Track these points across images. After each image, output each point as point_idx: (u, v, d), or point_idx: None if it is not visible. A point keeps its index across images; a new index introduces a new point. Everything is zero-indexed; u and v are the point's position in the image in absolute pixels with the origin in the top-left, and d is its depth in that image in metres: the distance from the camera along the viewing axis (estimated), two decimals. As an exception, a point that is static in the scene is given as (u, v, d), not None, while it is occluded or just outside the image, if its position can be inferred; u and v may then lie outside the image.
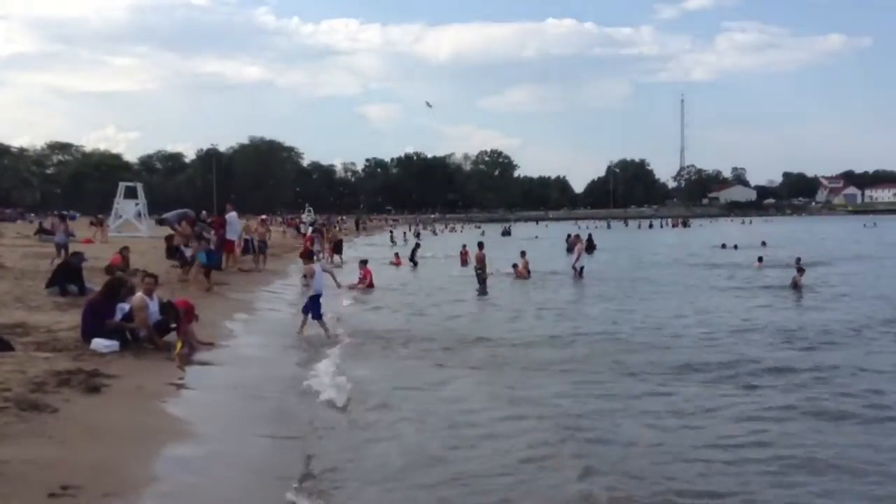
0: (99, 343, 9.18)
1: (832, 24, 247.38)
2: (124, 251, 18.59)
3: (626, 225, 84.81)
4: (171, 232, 27.05)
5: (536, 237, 56.92)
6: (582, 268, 23.14)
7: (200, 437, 6.81)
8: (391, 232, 58.38)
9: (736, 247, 38.88)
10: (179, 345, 9.74)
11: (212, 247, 22.65)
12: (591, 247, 38.65)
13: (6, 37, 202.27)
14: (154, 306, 9.93)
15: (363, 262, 21.90)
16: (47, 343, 9.37)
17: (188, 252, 18.38)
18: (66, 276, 14.08)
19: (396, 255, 31.50)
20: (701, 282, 23.29)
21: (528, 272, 23.46)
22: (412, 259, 30.54)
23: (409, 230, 65.99)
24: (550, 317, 16.02)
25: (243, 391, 8.96)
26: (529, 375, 10.17)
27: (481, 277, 20.64)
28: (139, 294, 9.93)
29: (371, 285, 20.85)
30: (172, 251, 24.40)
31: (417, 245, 34.37)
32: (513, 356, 11.53)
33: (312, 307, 13.09)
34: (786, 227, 70.79)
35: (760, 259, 27.24)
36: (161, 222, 21.95)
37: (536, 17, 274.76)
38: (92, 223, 39.94)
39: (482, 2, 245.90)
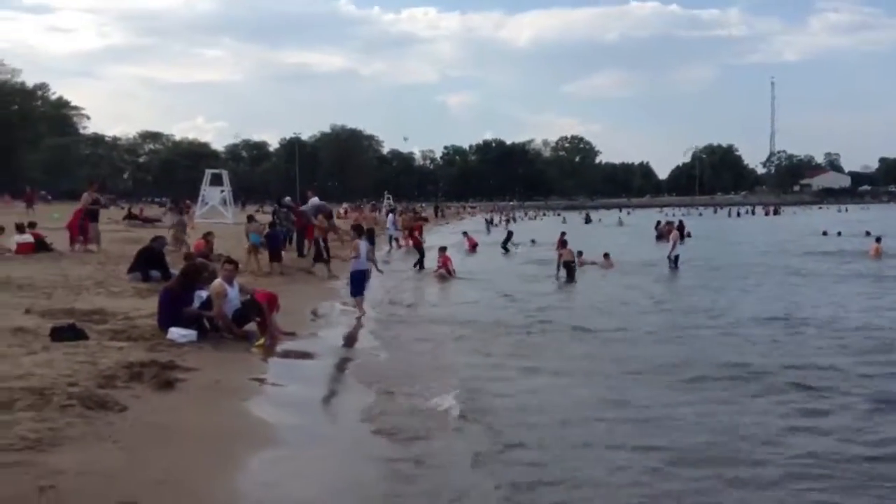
0: (176, 332, 8.64)
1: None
2: (208, 236, 18.30)
3: (715, 212, 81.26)
4: (251, 214, 27.22)
5: (620, 222, 54.92)
6: (677, 257, 21.69)
7: (286, 442, 6.04)
8: (487, 219, 57.66)
9: (840, 233, 36.40)
10: (262, 339, 9.13)
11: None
12: (682, 234, 36.90)
13: (99, 31, 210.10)
14: (234, 293, 9.34)
15: (442, 249, 21.01)
16: (124, 331, 8.89)
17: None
18: (148, 261, 13.79)
19: (466, 235, 31.23)
20: (819, 270, 21.70)
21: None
22: (504, 246, 30.21)
23: (497, 218, 64.97)
24: (679, 309, 14.76)
25: (331, 387, 8.26)
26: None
27: (570, 267, 19.46)
28: (218, 280, 9.35)
29: (451, 272, 19.98)
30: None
31: (510, 233, 33.52)
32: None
33: (353, 283, 12.68)
34: (886, 215, 66.28)
35: (879, 239, 25.31)
36: (298, 216, 22.06)
37: (619, 0, 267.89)
38: (180, 210, 40.62)
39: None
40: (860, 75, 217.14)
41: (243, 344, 9.10)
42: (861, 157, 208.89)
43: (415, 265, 21.93)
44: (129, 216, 36.04)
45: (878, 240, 25.36)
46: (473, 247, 29.77)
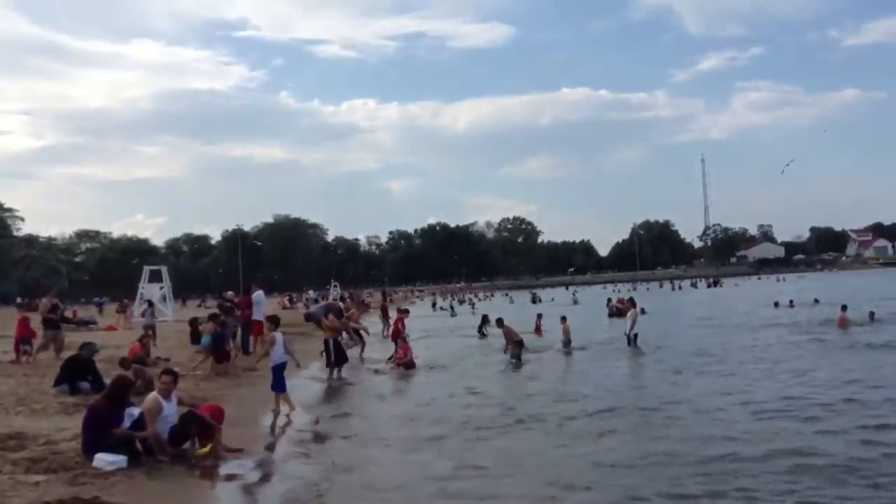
0: (102, 459, 7.47)
1: (843, 80, 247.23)
2: (144, 338, 17.05)
3: (661, 286, 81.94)
4: (195, 316, 25.97)
5: (575, 301, 54.76)
6: (636, 335, 21.19)
7: None
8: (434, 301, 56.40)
9: (792, 303, 36.64)
10: (205, 449, 8.04)
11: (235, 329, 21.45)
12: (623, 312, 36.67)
13: (34, 132, 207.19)
14: (171, 409, 8.26)
15: (402, 338, 20.09)
16: (43, 460, 7.67)
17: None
18: (77, 372, 12.53)
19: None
20: (793, 345, 20.78)
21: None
22: (481, 331, 27.84)
23: (444, 299, 63.97)
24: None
25: None
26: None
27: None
28: (153, 395, 8.30)
29: (411, 364, 18.89)
30: (198, 336, 23.11)
31: (485, 317, 29.21)
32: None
33: (274, 377, 11.94)
34: (822, 284, 67.85)
35: (844, 308, 25.29)
36: (308, 318, 21.45)
37: (550, 87, 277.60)
38: (117, 310, 38.84)
39: (496, 77, 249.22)
40: (785, 149, 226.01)
41: (180, 467, 7.94)
42: (793, 228, 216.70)
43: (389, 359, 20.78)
44: (62, 319, 34.05)
45: (844, 308, 25.30)
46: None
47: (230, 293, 24.33)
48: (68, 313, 37.96)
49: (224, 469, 8.11)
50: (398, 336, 20.70)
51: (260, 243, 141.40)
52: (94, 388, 12.22)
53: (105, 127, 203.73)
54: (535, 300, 61.01)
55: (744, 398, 12.39)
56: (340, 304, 22.94)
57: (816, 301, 37.06)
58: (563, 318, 22.64)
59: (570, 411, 11.93)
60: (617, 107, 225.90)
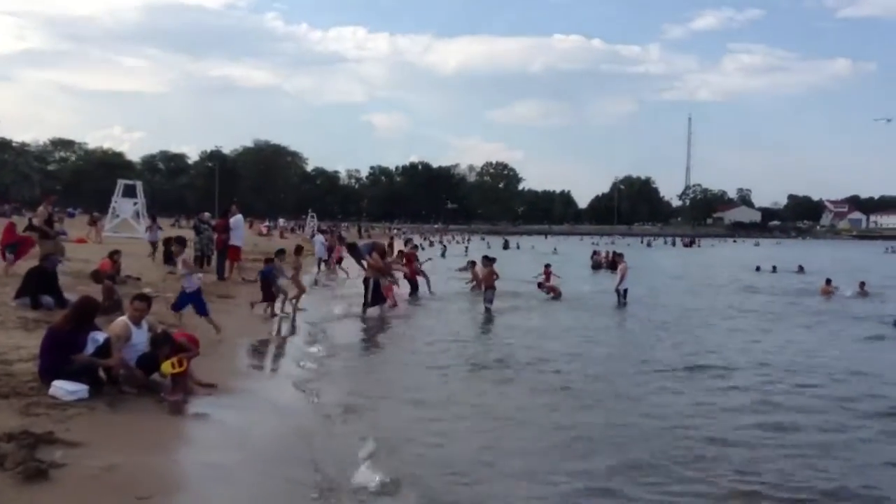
0: (61, 387, 6.72)
1: (837, 48, 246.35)
2: (115, 255, 16.11)
3: (642, 242, 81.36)
4: (169, 235, 24.96)
5: (555, 251, 54.27)
6: (626, 291, 20.69)
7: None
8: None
9: (775, 269, 36.45)
10: (178, 367, 7.24)
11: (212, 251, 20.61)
12: (615, 265, 36.27)
13: (17, 34, 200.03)
14: (141, 336, 7.45)
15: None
16: (-6, 381, 6.93)
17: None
18: (39, 285, 11.67)
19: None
20: (778, 310, 20.53)
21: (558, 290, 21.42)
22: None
23: (423, 240, 63.17)
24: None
25: (265, 468, 6.29)
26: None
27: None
28: (122, 319, 7.47)
29: (395, 304, 18.24)
30: (170, 256, 22.22)
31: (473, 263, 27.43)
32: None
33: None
34: (797, 251, 68.06)
35: (829, 282, 24.89)
36: (351, 248, 20.33)
37: (544, 31, 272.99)
38: (88, 222, 37.60)
39: (490, 16, 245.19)
40: (772, 116, 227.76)
41: (147, 400, 7.18)
42: (771, 194, 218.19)
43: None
44: (30, 227, 32.77)
45: (829, 282, 24.97)
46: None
47: (206, 214, 23.29)
48: (35, 221, 36.79)
49: (195, 406, 7.34)
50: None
51: (239, 173, 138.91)
52: (57, 304, 11.44)
53: (89, 34, 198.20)
54: (506, 246, 60.58)
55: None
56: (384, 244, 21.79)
57: (801, 268, 36.83)
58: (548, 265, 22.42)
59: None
60: (609, 58, 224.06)
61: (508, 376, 10.45)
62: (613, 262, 36.28)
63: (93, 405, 6.67)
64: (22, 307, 11.29)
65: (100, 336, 7.34)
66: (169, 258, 21.94)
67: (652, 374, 11.00)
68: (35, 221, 17.88)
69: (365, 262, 17.60)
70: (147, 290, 15.34)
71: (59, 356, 6.99)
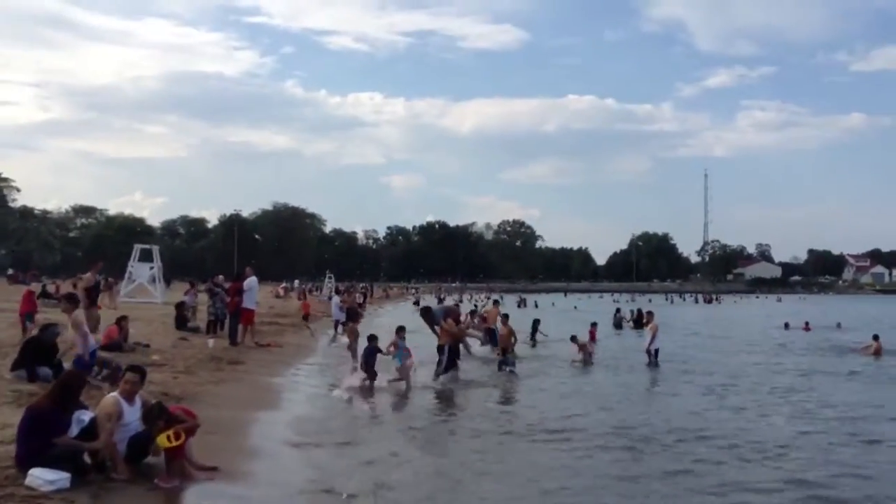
0: (39, 477, 5.92)
1: (849, 104, 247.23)
2: (122, 321, 15.49)
3: (668, 299, 79.64)
4: (183, 299, 24.41)
5: (575, 308, 53.28)
6: (657, 350, 19.72)
7: None
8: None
9: (808, 326, 35.10)
10: (169, 438, 6.40)
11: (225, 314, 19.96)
12: (640, 322, 35.27)
13: (40, 104, 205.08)
14: (133, 414, 6.69)
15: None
16: (-31, 469, 6.17)
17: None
18: (36, 356, 10.97)
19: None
20: (827, 371, 19.06)
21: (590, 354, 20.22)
22: (533, 338, 25.19)
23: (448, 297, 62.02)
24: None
25: None
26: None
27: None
28: (112, 396, 6.72)
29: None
30: (183, 321, 21.62)
31: (537, 322, 26.45)
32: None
33: None
34: (822, 307, 66.45)
35: (876, 337, 23.35)
36: (425, 313, 19.08)
37: (557, 93, 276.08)
38: (102, 287, 37.22)
39: (504, 79, 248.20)
40: (788, 171, 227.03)
41: (138, 488, 6.34)
42: (791, 249, 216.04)
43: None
44: (44, 294, 32.46)
45: (876, 337, 23.52)
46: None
47: (220, 277, 22.70)
48: (51, 288, 36.50)
49: (194, 494, 6.47)
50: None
51: (257, 236, 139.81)
52: (55, 376, 10.73)
53: (111, 103, 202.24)
54: (521, 304, 59.58)
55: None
56: (455, 307, 20.91)
57: (839, 325, 35.53)
58: (574, 338, 20.95)
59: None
60: (622, 117, 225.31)
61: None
62: (639, 320, 35.38)
63: (73, 497, 5.86)
64: (18, 379, 10.61)
65: (86, 416, 6.59)
66: (181, 323, 21.39)
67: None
68: (80, 287, 17.47)
69: (438, 328, 16.80)
70: (155, 358, 14.72)
71: (39, 440, 6.20)
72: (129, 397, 6.76)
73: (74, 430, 6.47)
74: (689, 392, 15.05)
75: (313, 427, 10.28)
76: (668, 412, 12.52)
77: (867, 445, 10.05)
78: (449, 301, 65.23)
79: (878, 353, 22.56)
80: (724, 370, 18.74)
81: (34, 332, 15.19)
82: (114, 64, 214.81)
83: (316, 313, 36.74)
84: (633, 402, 13.79)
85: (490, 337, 21.21)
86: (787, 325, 36.06)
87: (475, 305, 42.25)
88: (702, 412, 12.56)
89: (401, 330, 15.02)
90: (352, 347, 15.24)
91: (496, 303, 26.63)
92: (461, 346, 19.01)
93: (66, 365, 10.38)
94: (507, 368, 17.09)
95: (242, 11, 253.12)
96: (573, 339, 20.76)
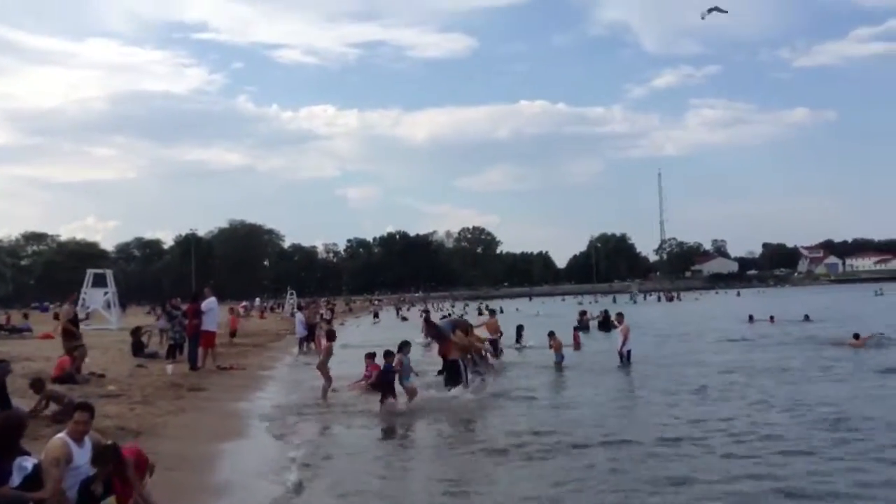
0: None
1: (794, 99, 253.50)
2: (74, 351, 14.72)
3: (615, 301, 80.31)
4: (138, 325, 23.53)
5: (538, 314, 53.19)
6: (629, 352, 19.49)
7: None
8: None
9: (772, 319, 35.35)
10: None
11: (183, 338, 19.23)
12: (607, 324, 35.15)
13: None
14: (83, 457, 6.08)
15: (370, 355, 17.66)
16: None
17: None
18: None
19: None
20: (796, 366, 18.56)
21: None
22: (518, 343, 25.02)
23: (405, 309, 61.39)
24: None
25: None
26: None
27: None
28: (59, 438, 6.11)
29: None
30: (139, 347, 20.79)
31: (521, 327, 26.56)
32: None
33: None
34: (782, 300, 67.42)
35: (857, 336, 22.69)
36: (430, 326, 18.27)
37: (509, 99, 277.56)
38: (54, 316, 35.93)
39: (455, 88, 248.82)
40: (739, 166, 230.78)
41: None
42: (746, 244, 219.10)
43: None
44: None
45: (857, 336, 22.74)
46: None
47: (177, 300, 21.91)
48: (1, 319, 35.13)
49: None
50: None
51: (215, 255, 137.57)
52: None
53: (58, 127, 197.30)
54: (481, 312, 59.23)
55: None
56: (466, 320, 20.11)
57: (807, 317, 35.85)
58: (552, 334, 21.00)
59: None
60: (574, 120, 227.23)
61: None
62: (606, 322, 35.22)
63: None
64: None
65: (28, 462, 5.96)
66: (138, 350, 20.55)
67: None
68: (61, 320, 16.53)
69: (443, 342, 16.18)
70: (111, 388, 13.99)
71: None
72: (79, 438, 6.16)
73: (16, 480, 5.84)
74: (670, 394, 14.71)
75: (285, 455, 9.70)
76: (653, 417, 12.18)
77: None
78: (413, 311, 64.84)
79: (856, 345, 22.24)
80: (699, 369, 18.48)
81: None
82: (58, 86, 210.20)
83: (280, 331, 36.03)
84: (617, 409, 13.43)
85: (493, 348, 21.00)
86: (751, 318, 36.32)
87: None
88: (689, 415, 12.23)
89: (405, 346, 14.40)
90: (323, 367, 14.63)
91: (493, 312, 26.27)
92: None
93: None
94: (480, 378, 16.67)
95: (189, 28, 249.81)
96: (551, 334, 20.73)
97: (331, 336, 15.63)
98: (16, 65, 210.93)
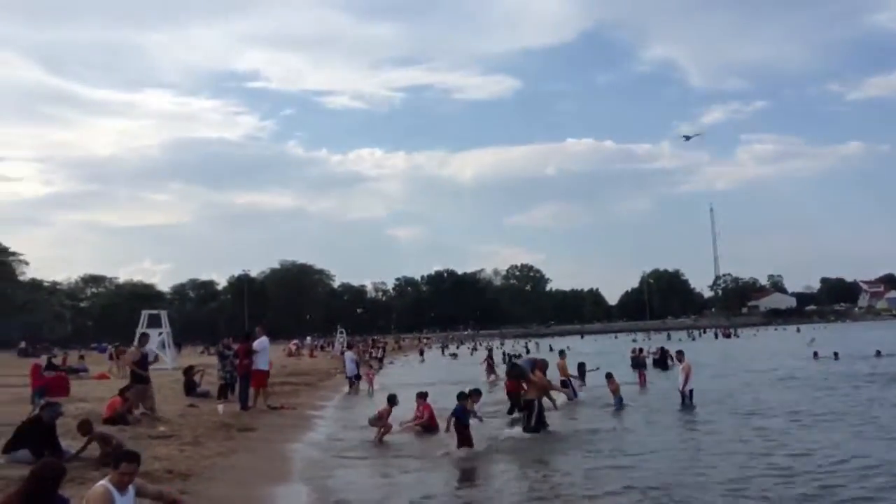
0: None
1: (847, 133, 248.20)
2: (125, 391, 14.64)
3: (669, 338, 78.31)
4: (191, 364, 23.56)
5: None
6: (691, 391, 18.68)
7: None
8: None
9: (836, 355, 33.90)
10: None
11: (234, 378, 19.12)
12: (664, 361, 34.12)
13: (44, 179, 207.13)
14: (127, 505, 5.82)
15: (421, 395, 17.32)
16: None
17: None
18: (34, 438, 10.10)
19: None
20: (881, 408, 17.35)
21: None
22: (582, 380, 24.12)
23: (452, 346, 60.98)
24: None
25: None
26: None
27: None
28: (101, 486, 5.83)
29: (434, 424, 16.38)
30: (192, 386, 20.76)
31: (583, 364, 25.66)
32: None
33: None
34: (848, 335, 64.84)
35: None
36: (512, 369, 17.82)
37: (555, 138, 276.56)
38: (110, 356, 36.49)
39: (500, 128, 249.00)
40: (794, 200, 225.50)
41: None
42: (803, 278, 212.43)
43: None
44: (49, 366, 31.63)
45: None
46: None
47: (229, 339, 21.88)
48: (58, 360, 35.69)
49: None
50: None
51: (267, 296, 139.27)
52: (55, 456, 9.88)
53: (115, 174, 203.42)
54: (527, 349, 58.38)
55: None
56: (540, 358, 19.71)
57: (879, 353, 34.30)
58: (610, 375, 20.04)
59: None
60: (622, 157, 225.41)
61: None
62: (663, 359, 34.17)
63: None
64: (13, 463, 9.72)
65: (70, 512, 5.71)
66: (190, 389, 20.52)
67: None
68: (125, 361, 16.61)
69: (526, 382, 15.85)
70: (162, 429, 13.85)
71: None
72: (122, 488, 5.87)
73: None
74: (747, 436, 13.86)
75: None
76: (739, 461, 11.39)
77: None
78: (462, 349, 64.26)
79: None
80: (770, 408, 17.59)
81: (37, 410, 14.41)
82: (115, 135, 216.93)
83: (330, 370, 35.88)
84: (687, 452, 12.69)
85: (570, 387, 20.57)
86: (815, 355, 34.82)
87: (487, 353, 41.21)
88: (777, 457, 11.53)
89: (476, 393, 14.07)
90: (377, 423, 14.53)
91: (562, 353, 25.42)
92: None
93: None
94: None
95: (241, 77, 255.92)
96: (609, 376, 19.93)
97: (392, 401, 15.23)
98: (75, 115, 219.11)
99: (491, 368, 31.72)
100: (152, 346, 37.55)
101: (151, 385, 15.94)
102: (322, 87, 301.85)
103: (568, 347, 60.88)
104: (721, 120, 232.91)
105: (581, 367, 25.20)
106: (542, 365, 17.03)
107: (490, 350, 40.00)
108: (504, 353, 47.05)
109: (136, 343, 18.67)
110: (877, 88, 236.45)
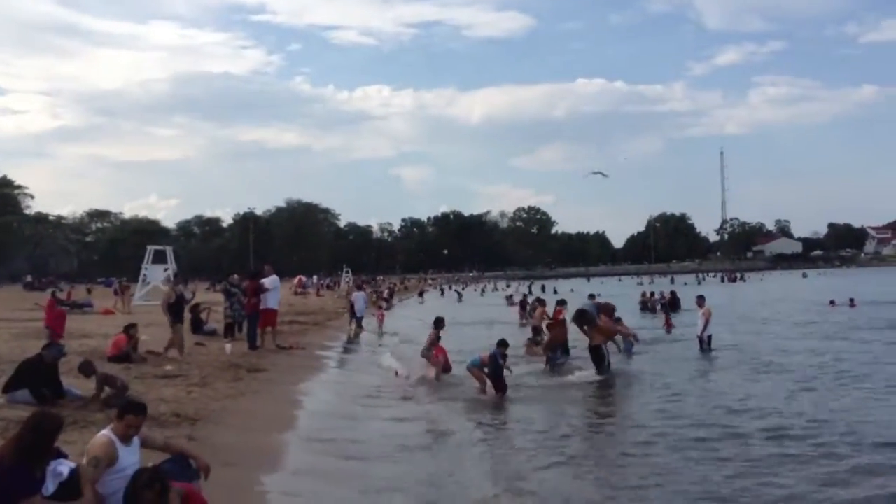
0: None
1: (861, 76, 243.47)
2: (130, 329, 14.15)
3: (672, 282, 77.86)
4: (197, 301, 23.01)
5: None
6: (710, 337, 18.21)
7: None
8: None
9: (853, 302, 33.36)
10: None
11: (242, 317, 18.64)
12: (675, 305, 33.60)
13: (51, 112, 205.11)
14: (131, 457, 5.27)
15: (437, 325, 16.69)
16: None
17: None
18: (35, 377, 9.62)
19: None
20: None
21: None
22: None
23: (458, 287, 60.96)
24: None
25: None
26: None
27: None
28: (103, 436, 5.31)
29: (448, 368, 15.95)
30: (199, 324, 20.35)
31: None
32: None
33: None
34: (849, 281, 64.14)
35: None
36: (581, 316, 16.18)
37: (566, 78, 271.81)
38: (115, 291, 36.13)
39: (511, 67, 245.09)
40: (804, 145, 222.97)
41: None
42: (810, 224, 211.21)
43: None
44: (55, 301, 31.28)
45: None
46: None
47: (235, 277, 21.31)
48: (63, 295, 35.38)
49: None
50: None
51: (273, 233, 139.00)
52: (56, 397, 9.46)
53: (121, 108, 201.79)
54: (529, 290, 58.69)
55: None
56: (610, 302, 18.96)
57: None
58: (618, 320, 19.04)
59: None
60: (633, 99, 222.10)
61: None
62: (673, 303, 33.66)
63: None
64: (11, 403, 9.26)
65: (64, 467, 5.13)
66: (197, 327, 20.12)
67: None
68: (162, 303, 16.04)
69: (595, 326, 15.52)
70: (168, 368, 13.44)
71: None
72: (125, 439, 5.34)
73: (50, 488, 5.04)
74: (772, 385, 13.51)
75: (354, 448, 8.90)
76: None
77: None
78: (468, 291, 64.04)
79: None
80: (788, 358, 17.10)
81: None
82: (122, 68, 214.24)
83: (337, 309, 35.53)
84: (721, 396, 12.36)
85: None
86: (832, 303, 34.28)
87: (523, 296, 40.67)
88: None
89: (503, 345, 13.81)
90: (427, 354, 14.78)
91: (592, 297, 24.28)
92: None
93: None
94: (559, 361, 15.87)
95: (248, 10, 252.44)
96: (617, 320, 19.14)
97: (438, 324, 15.19)
98: (81, 47, 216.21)
99: (524, 311, 31.19)
100: (157, 281, 37.66)
101: (181, 326, 15.73)
102: (329, 22, 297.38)
103: (572, 290, 60.85)
104: (735, 61, 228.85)
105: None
106: (608, 309, 16.54)
107: (525, 296, 39.37)
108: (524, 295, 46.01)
109: (170, 282, 18.22)
110: (893, 30, 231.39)
